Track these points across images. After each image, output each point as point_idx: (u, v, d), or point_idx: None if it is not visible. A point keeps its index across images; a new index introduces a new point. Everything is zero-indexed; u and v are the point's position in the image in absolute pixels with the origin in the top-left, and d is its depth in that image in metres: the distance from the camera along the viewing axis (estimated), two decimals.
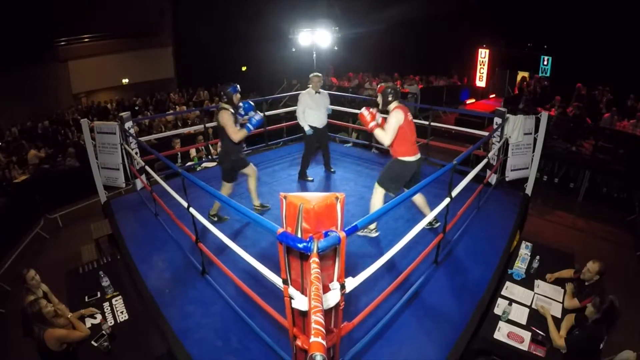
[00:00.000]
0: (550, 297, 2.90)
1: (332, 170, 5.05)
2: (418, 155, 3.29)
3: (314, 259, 1.38)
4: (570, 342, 2.41)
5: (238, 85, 3.56)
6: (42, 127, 10.20)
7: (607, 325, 2.41)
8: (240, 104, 3.65)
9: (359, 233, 3.41)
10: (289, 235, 1.52)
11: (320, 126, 4.61)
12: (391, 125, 3.09)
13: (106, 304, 2.93)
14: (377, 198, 3.38)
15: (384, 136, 3.13)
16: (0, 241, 5.02)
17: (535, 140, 4.31)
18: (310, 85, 4.52)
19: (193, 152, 6.57)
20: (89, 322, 2.75)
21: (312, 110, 4.47)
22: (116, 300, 2.96)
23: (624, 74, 8.66)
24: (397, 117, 3.09)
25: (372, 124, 3.15)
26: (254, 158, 5.57)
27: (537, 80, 10.78)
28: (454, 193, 2.78)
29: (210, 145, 6.05)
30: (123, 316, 2.81)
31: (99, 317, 2.79)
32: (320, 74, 4.54)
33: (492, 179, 4.38)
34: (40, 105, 11.80)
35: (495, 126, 4.29)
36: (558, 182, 6.60)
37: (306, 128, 4.52)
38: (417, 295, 2.76)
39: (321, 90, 4.54)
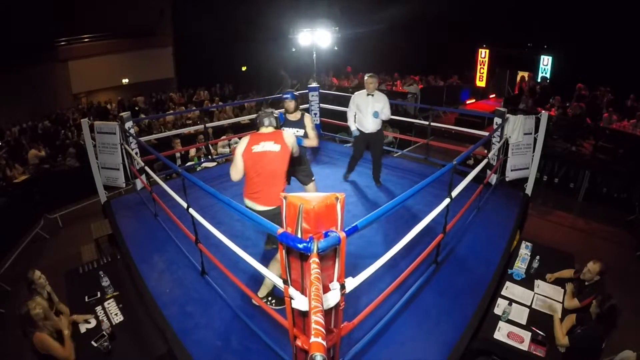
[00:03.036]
0: (550, 297, 2.91)
1: (379, 183, 4.64)
2: (260, 206, 2.54)
3: (314, 259, 1.38)
4: (574, 339, 2.40)
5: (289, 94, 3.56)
6: (42, 127, 10.21)
7: (609, 326, 2.41)
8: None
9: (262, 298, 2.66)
10: (289, 235, 1.52)
11: (367, 131, 4.28)
12: (234, 157, 2.55)
13: (99, 308, 2.91)
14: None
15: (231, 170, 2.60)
16: (0, 241, 5.03)
17: (535, 140, 4.31)
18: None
19: (193, 152, 6.58)
20: (84, 327, 2.74)
21: (360, 113, 4.26)
22: (109, 304, 2.94)
23: (624, 74, 8.65)
24: (240, 145, 2.52)
25: None
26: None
27: (532, 79, 10.80)
28: (454, 193, 2.78)
29: (210, 145, 6.06)
30: (118, 318, 2.79)
31: (93, 321, 2.77)
32: (374, 75, 4.17)
33: (492, 179, 4.38)
34: (40, 105, 11.80)
35: (495, 126, 4.29)
36: (558, 182, 6.60)
37: (352, 128, 4.37)
38: (417, 295, 2.76)
39: (377, 92, 4.19)
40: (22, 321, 2.50)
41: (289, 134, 2.61)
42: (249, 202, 2.62)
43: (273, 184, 2.53)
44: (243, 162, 2.51)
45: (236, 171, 2.56)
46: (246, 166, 2.53)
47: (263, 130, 2.60)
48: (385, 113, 4.22)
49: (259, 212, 2.43)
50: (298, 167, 3.45)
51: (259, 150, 2.48)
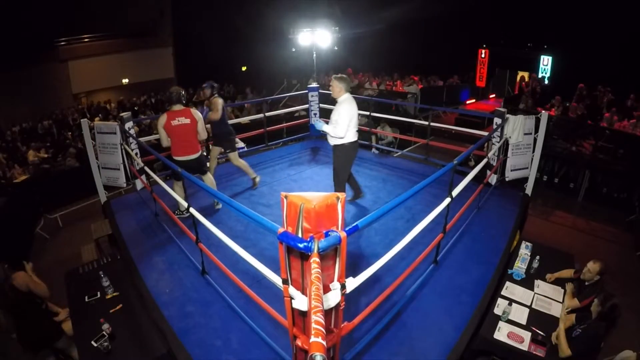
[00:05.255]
0: (550, 297, 2.90)
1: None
2: (186, 157, 3.55)
3: (315, 259, 1.37)
4: (576, 346, 2.37)
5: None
6: (42, 127, 10.21)
7: (610, 323, 2.41)
8: None
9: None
10: (290, 235, 1.52)
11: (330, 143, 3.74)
12: (159, 130, 3.51)
13: None
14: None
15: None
16: (0, 241, 5.02)
17: (535, 140, 4.31)
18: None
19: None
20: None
21: None
22: None
23: (624, 74, 8.66)
24: (160, 120, 3.46)
25: None
26: (254, 158, 5.58)
27: (535, 79, 10.80)
28: (455, 193, 2.78)
29: (210, 145, 6.04)
30: None
31: None
32: (337, 77, 3.56)
33: (492, 179, 4.38)
34: (40, 105, 11.81)
35: (495, 126, 4.29)
36: (558, 182, 6.60)
37: None
38: (417, 295, 2.76)
39: (342, 99, 3.53)
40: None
41: (196, 111, 3.58)
42: (179, 157, 3.55)
43: (191, 142, 3.59)
44: (165, 132, 3.46)
45: (164, 140, 3.53)
46: (170, 135, 3.48)
47: (175, 108, 3.48)
48: (330, 127, 3.49)
49: (189, 161, 3.56)
50: (222, 141, 4.45)
51: (177, 124, 3.44)
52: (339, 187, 3.79)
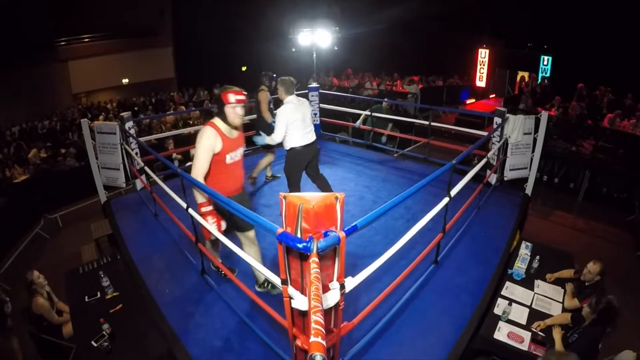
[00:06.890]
0: (550, 297, 2.91)
1: None
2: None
3: (314, 259, 1.37)
4: (573, 351, 2.36)
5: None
6: (42, 127, 10.21)
7: (605, 326, 2.40)
8: None
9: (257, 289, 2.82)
10: (289, 235, 1.52)
11: None
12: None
13: None
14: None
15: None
16: (0, 241, 5.03)
17: (535, 140, 4.31)
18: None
19: (192, 152, 6.51)
20: None
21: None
22: None
23: (624, 74, 8.65)
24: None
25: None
26: (254, 158, 5.57)
27: (535, 79, 10.79)
28: (453, 192, 2.78)
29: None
30: None
31: None
32: (280, 79, 3.49)
33: (492, 178, 4.38)
34: (40, 105, 11.82)
35: (495, 126, 4.29)
36: (558, 182, 6.60)
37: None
38: (417, 295, 2.76)
39: (286, 100, 3.46)
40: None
41: (202, 132, 2.40)
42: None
43: None
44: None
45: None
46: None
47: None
48: (269, 138, 3.46)
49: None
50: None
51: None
52: (292, 191, 3.59)
